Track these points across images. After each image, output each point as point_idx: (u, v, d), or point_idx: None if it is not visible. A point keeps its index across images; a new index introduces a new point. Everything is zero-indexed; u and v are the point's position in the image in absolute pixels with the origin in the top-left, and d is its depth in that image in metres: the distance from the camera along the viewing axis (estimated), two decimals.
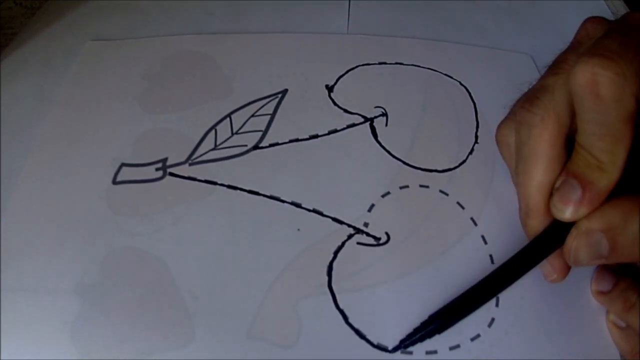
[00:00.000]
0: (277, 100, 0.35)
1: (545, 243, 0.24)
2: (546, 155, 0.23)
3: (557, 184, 0.23)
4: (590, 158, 0.21)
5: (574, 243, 0.22)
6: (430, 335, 0.25)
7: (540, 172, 0.23)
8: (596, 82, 0.20)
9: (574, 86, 0.21)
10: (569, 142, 0.23)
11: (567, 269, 0.25)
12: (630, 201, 0.21)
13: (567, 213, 0.22)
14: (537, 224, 0.24)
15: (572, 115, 0.22)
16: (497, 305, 0.27)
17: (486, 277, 0.25)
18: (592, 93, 0.20)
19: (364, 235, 0.29)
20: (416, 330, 0.25)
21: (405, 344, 0.25)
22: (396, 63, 0.38)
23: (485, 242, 0.29)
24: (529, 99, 0.24)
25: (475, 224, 0.30)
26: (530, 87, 0.26)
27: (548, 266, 0.26)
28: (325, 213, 0.30)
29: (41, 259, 0.28)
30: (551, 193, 0.23)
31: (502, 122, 0.27)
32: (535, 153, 0.23)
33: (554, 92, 0.23)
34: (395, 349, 0.25)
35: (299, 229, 0.29)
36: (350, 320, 0.26)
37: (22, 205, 0.30)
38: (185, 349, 0.25)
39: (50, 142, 0.33)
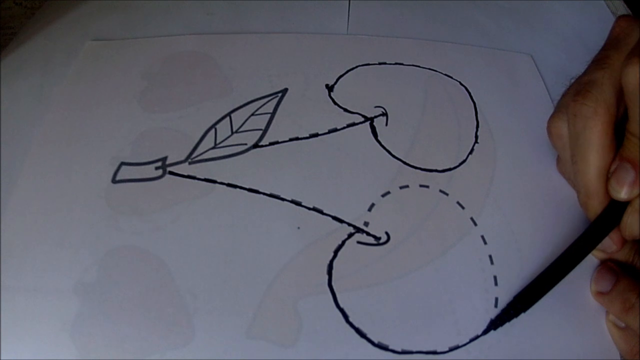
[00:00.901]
0: (277, 99, 0.35)
1: (606, 221, 0.27)
2: (601, 143, 0.26)
3: (612, 169, 0.26)
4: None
5: (629, 219, 0.26)
6: (517, 314, 0.26)
7: (597, 158, 0.26)
8: None
9: (627, 85, 0.24)
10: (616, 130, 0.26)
11: (624, 241, 0.28)
12: None
13: (622, 193, 0.25)
14: (597, 204, 0.27)
15: (618, 105, 0.25)
16: (496, 305, 0.27)
17: (560, 256, 0.27)
18: (637, 85, 0.23)
19: (364, 234, 0.29)
20: (504, 311, 0.26)
21: (495, 324, 0.26)
22: (396, 63, 0.38)
23: (485, 242, 0.29)
24: (580, 92, 0.26)
25: (475, 224, 0.30)
26: (573, 80, 0.29)
27: (608, 240, 0.28)
28: (325, 212, 0.30)
29: (41, 258, 0.28)
30: (607, 177, 0.26)
31: (553, 115, 0.30)
32: (592, 142, 0.26)
33: (603, 85, 0.26)
34: (485, 331, 0.26)
35: (299, 228, 0.29)
36: (351, 319, 0.26)
37: (21, 204, 0.30)
38: (184, 348, 0.25)
39: (50, 141, 0.33)
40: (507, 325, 0.26)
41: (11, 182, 0.31)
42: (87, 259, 0.28)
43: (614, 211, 0.26)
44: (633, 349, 0.26)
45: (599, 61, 0.27)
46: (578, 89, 0.27)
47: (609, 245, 0.28)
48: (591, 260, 0.29)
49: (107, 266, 0.27)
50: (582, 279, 0.28)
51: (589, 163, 0.26)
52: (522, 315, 0.27)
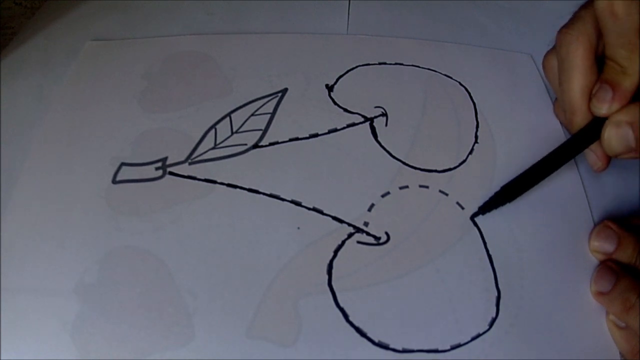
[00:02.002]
0: (277, 99, 0.35)
1: (587, 134, 0.30)
2: (582, 64, 0.29)
3: (594, 91, 0.29)
4: (616, 66, 0.28)
5: (606, 132, 0.28)
6: (502, 202, 0.30)
7: (579, 78, 0.29)
8: (612, 4, 0.26)
9: (598, 10, 0.27)
10: (600, 64, 0.29)
11: (608, 158, 0.30)
12: None
13: (603, 109, 0.28)
14: (580, 120, 0.30)
15: (599, 38, 0.29)
16: (497, 305, 0.27)
17: (544, 158, 0.30)
18: (610, 12, 0.26)
19: (364, 234, 0.29)
20: (491, 199, 0.30)
21: (483, 211, 0.30)
22: (396, 63, 0.38)
23: (485, 242, 0.29)
24: (566, 25, 0.30)
25: (475, 224, 0.30)
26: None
27: (593, 155, 0.31)
28: (325, 212, 0.30)
29: (41, 259, 0.28)
30: (590, 97, 0.29)
31: (547, 53, 0.33)
32: (574, 63, 0.29)
33: (585, 19, 0.29)
34: (473, 216, 0.30)
35: (298, 228, 0.29)
36: (351, 319, 0.26)
37: (22, 205, 0.30)
38: (184, 348, 0.25)
39: (50, 141, 0.33)
40: (507, 325, 0.26)
41: (11, 182, 0.31)
42: (88, 259, 0.28)
43: (596, 127, 0.29)
44: (633, 349, 0.26)
45: (585, 3, 0.30)
46: (565, 24, 0.31)
47: (594, 161, 0.31)
48: (591, 260, 0.29)
49: (107, 266, 0.27)
50: (582, 279, 0.28)
51: (573, 82, 0.30)
52: (522, 315, 0.27)
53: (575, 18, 0.30)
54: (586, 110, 0.30)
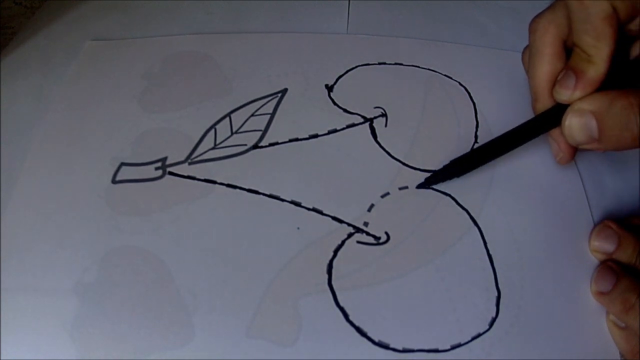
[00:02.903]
0: (276, 99, 0.35)
1: (547, 119, 0.29)
2: (548, 51, 0.29)
3: (559, 77, 0.28)
4: (582, 53, 0.27)
5: (567, 120, 0.27)
6: (450, 176, 0.31)
7: (545, 64, 0.29)
8: None
9: None
10: (570, 53, 0.29)
11: (571, 150, 0.30)
12: (616, 91, 0.26)
13: (564, 95, 0.28)
14: (542, 107, 0.30)
15: (570, 28, 0.28)
16: (497, 305, 0.27)
17: (499, 137, 0.30)
18: None
19: (364, 234, 0.29)
20: (439, 171, 0.31)
21: (430, 182, 0.31)
22: (396, 63, 0.38)
23: (485, 242, 0.29)
24: (538, 15, 0.30)
25: (476, 224, 0.30)
26: None
27: (555, 145, 0.31)
28: (325, 212, 0.30)
29: (40, 259, 0.28)
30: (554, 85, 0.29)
31: (525, 47, 0.33)
32: (540, 50, 0.29)
33: (557, 6, 0.29)
34: (418, 186, 0.31)
35: (298, 228, 0.29)
36: (351, 318, 0.26)
37: (21, 204, 0.30)
38: (184, 348, 0.25)
39: (50, 141, 0.33)
40: (507, 325, 0.26)
41: (11, 182, 0.31)
42: (87, 259, 0.28)
43: (557, 114, 0.28)
44: (633, 349, 0.26)
45: None
46: (538, 14, 0.31)
47: (556, 151, 0.31)
48: (592, 260, 0.29)
49: (106, 266, 0.27)
50: (582, 279, 0.28)
51: (537, 68, 0.29)
52: (522, 315, 0.27)
53: (549, 7, 0.30)
54: (549, 97, 0.29)
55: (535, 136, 0.30)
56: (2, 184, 0.31)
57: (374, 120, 0.34)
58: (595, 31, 0.26)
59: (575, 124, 0.27)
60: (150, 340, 0.25)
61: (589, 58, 0.27)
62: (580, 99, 0.27)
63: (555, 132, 0.30)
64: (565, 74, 0.28)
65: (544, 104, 0.30)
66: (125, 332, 0.25)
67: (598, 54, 0.27)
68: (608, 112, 0.26)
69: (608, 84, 0.27)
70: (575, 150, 0.30)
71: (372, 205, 0.30)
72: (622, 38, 0.27)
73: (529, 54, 0.31)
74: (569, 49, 0.29)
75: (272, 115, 0.34)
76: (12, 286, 0.27)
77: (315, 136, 0.33)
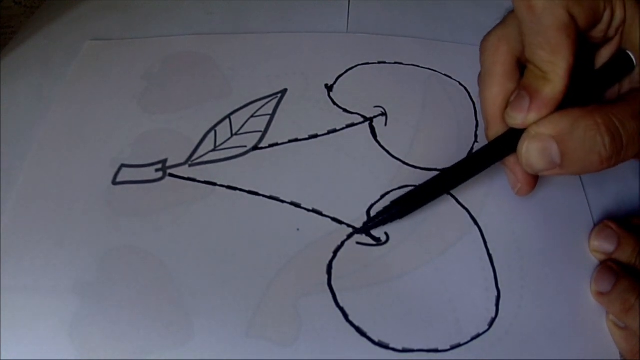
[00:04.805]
0: (276, 100, 0.35)
1: (499, 147, 0.27)
2: (497, 72, 0.26)
3: (512, 98, 0.26)
4: (536, 70, 0.24)
5: (524, 146, 0.25)
6: (391, 219, 0.28)
7: (493, 85, 0.27)
8: None
9: (515, 6, 0.24)
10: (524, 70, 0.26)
11: (531, 179, 0.28)
12: (579, 110, 0.23)
13: (517, 119, 0.25)
14: (494, 133, 0.27)
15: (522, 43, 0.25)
16: (497, 305, 0.27)
17: (443, 171, 0.28)
18: (526, 6, 0.23)
19: (364, 235, 0.29)
20: (379, 214, 0.28)
21: (368, 225, 0.29)
22: (395, 63, 0.38)
23: (485, 242, 0.29)
24: (489, 32, 0.28)
25: (476, 224, 0.30)
26: None
27: (512, 176, 0.28)
28: (324, 213, 0.30)
29: (40, 258, 0.28)
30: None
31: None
32: (490, 71, 0.27)
33: (507, 21, 0.27)
34: (356, 232, 0.29)
35: (298, 229, 0.29)
36: (351, 318, 0.26)
37: (21, 204, 0.30)
38: (183, 348, 0.25)
39: (50, 142, 0.33)
40: (507, 325, 0.26)
41: (11, 182, 0.31)
42: (87, 258, 0.28)
43: (512, 140, 0.26)
44: (633, 349, 0.26)
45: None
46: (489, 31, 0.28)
47: (514, 183, 0.28)
48: (591, 260, 0.29)
49: (106, 266, 0.28)
50: (582, 279, 0.28)
51: (487, 90, 0.27)
52: (522, 315, 0.27)
53: (499, 23, 0.27)
54: (501, 122, 0.26)
55: (486, 167, 0.27)
56: (2, 184, 0.31)
57: (374, 120, 0.34)
58: (549, 44, 0.23)
59: (532, 150, 0.24)
60: (150, 340, 0.25)
61: (544, 75, 0.24)
62: (536, 122, 0.24)
63: (510, 160, 0.28)
64: (517, 95, 0.25)
65: (497, 130, 0.27)
66: (125, 332, 0.25)
67: (554, 70, 0.24)
68: (571, 135, 0.23)
69: (569, 102, 0.24)
70: (535, 180, 0.28)
71: (372, 205, 0.30)
72: (584, 47, 0.25)
73: (479, 76, 0.28)
74: (525, 67, 0.26)
75: (272, 116, 0.34)
76: (11, 286, 0.27)
77: (315, 136, 0.33)
